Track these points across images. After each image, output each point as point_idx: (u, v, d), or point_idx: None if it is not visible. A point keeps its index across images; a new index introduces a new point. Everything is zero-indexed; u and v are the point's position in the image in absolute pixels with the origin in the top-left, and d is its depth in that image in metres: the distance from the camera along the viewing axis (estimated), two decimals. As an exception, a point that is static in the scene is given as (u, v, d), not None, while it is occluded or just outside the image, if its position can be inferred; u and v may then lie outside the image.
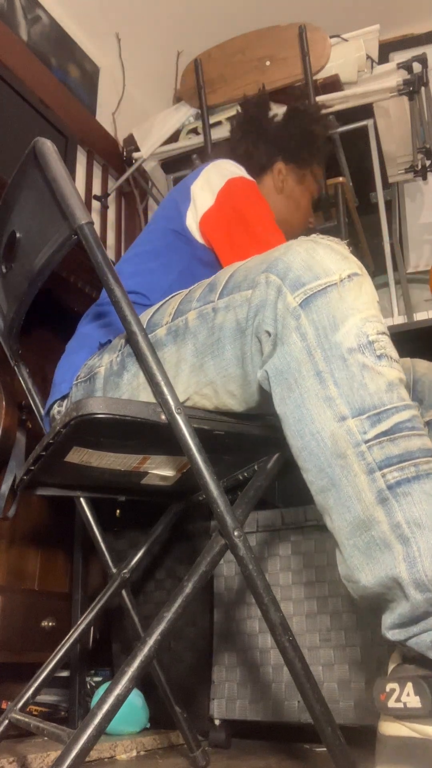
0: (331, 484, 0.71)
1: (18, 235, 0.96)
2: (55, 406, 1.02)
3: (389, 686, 0.67)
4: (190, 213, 1.18)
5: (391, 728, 0.66)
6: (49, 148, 0.86)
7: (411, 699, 0.64)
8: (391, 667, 0.71)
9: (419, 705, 0.64)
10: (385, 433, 0.68)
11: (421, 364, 1.12)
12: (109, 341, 0.99)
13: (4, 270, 1.03)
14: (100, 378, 0.93)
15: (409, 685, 0.65)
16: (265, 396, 0.79)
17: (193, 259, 1.16)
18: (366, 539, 0.68)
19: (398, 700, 0.65)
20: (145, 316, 0.93)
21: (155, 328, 0.89)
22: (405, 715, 0.65)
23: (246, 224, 1.14)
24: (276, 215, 1.28)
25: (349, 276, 0.74)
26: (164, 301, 0.93)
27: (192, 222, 1.18)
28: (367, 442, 0.68)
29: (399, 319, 1.71)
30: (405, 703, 0.65)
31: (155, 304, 0.98)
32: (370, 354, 0.71)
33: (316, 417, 0.71)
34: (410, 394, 1.08)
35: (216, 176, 1.20)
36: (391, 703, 0.66)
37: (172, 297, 0.93)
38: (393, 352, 0.73)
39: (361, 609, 0.82)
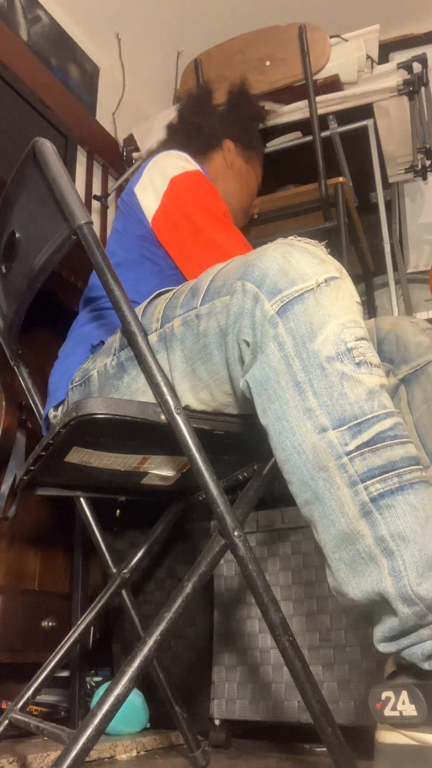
0: (314, 498, 0.69)
1: (18, 235, 0.96)
2: (51, 411, 1.02)
3: (385, 694, 0.67)
4: (147, 214, 1.14)
5: (388, 736, 0.66)
6: (48, 148, 0.86)
7: (406, 707, 0.64)
8: (386, 674, 0.71)
9: (415, 713, 0.63)
10: (366, 444, 0.67)
11: (384, 321, 1.04)
12: (102, 342, 0.99)
13: (3, 270, 1.03)
14: (94, 380, 0.92)
15: (404, 694, 0.65)
16: (251, 403, 0.78)
17: (170, 258, 1.13)
18: (351, 553, 0.67)
19: (394, 708, 0.65)
20: None
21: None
22: (401, 723, 0.65)
23: (194, 227, 1.10)
24: (226, 190, 1.28)
25: (326, 280, 0.72)
26: (148, 301, 0.91)
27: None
28: (348, 454, 0.67)
29: (399, 319, 1.70)
30: (401, 712, 0.65)
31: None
32: (349, 361, 0.69)
33: (296, 429, 0.70)
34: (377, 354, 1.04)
35: (158, 177, 1.15)
36: (387, 712, 0.66)
37: (156, 298, 0.91)
38: (373, 357, 0.71)
39: (353, 618, 0.82)
